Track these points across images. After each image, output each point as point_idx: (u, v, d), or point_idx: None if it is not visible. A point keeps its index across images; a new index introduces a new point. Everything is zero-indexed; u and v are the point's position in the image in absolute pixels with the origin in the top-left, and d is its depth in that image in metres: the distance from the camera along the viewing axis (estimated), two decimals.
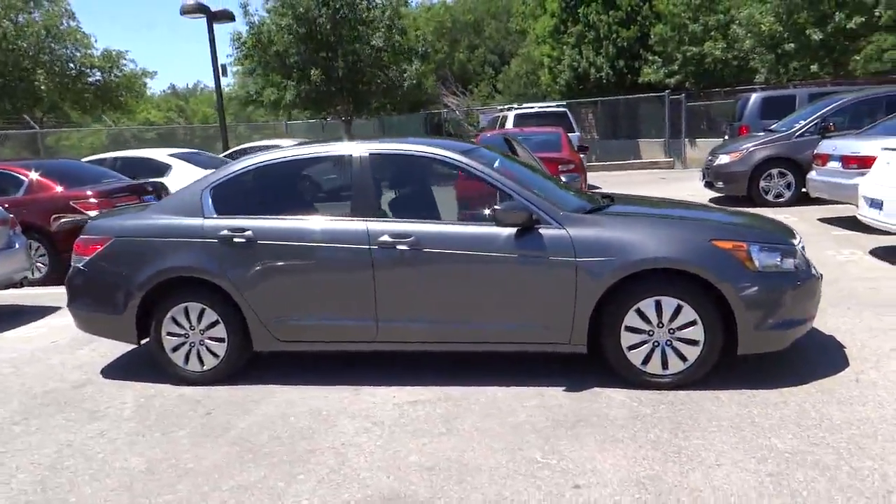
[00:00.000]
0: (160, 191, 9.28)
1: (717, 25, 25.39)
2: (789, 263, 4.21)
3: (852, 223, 8.49)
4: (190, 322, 4.70)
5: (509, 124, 15.20)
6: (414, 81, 19.26)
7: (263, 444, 3.85)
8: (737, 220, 4.75)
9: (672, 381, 4.21)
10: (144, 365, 5.22)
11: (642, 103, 24.52)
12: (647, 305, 4.17)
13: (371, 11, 17.78)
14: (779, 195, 11.39)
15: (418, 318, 4.43)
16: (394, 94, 19.39)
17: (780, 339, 4.23)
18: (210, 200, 4.74)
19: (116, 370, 5.22)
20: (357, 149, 4.67)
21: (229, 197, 4.79)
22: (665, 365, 4.22)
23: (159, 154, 11.68)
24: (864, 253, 7.67)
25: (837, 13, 21.32)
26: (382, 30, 17.97)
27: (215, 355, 4.73)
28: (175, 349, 4.76)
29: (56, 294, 7.62)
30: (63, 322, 6.72)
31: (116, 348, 5.67)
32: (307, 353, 5.01)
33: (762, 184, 11.44)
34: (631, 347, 4.23)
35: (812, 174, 9.84)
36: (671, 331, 4.17)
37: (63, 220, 8.21)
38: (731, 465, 3.32)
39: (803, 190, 11.34)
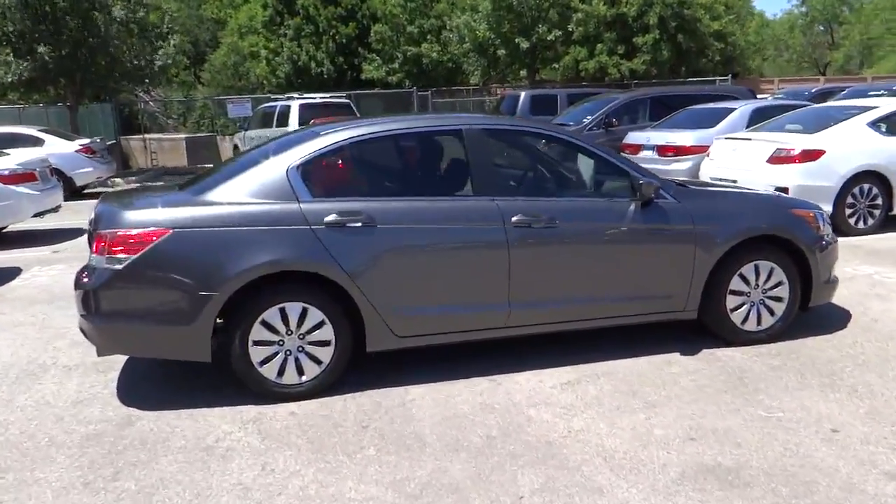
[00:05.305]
0: None
1: (432, 29, 27.09)
2: (829, 229, 4.98)
3: None
4: (287, 326, 3.93)
5: (293, 114, 14.56)
6: (170, 62, 17.23)
7: (488, 446, 3.44)
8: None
9: (766, 336, 4.70)
10: (166, 388, 4.20)
11: (386, 99, 24.91)
12: (749, 270, 4.60)
13: None
14: None
15: (551, 299, 4.30)
16: (140, 77, 17.09)
17: (831, 292, 4.97)
18: (301, 181, 4.00)
19: (140, 400, 4.08)
20: (466, 123, 4.33)
21: (322, 176, 4.10)
22: (759, 321, 4.69)
23: None
24: None
25: (540, 26, 24.19)
26: (121, 2, 15.73)
27: (318, 362, 4.02)
28: (264, 361, 3.94)
29: None
30: None
31: (85, 376, 4.45)
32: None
33: None
34: (733, 309, 4.63)
35: None
36: (764, 291, 4.66)
37: None
38: None
39: None
